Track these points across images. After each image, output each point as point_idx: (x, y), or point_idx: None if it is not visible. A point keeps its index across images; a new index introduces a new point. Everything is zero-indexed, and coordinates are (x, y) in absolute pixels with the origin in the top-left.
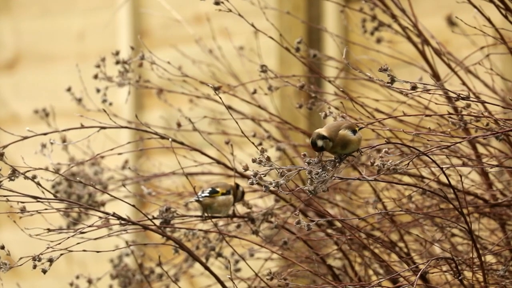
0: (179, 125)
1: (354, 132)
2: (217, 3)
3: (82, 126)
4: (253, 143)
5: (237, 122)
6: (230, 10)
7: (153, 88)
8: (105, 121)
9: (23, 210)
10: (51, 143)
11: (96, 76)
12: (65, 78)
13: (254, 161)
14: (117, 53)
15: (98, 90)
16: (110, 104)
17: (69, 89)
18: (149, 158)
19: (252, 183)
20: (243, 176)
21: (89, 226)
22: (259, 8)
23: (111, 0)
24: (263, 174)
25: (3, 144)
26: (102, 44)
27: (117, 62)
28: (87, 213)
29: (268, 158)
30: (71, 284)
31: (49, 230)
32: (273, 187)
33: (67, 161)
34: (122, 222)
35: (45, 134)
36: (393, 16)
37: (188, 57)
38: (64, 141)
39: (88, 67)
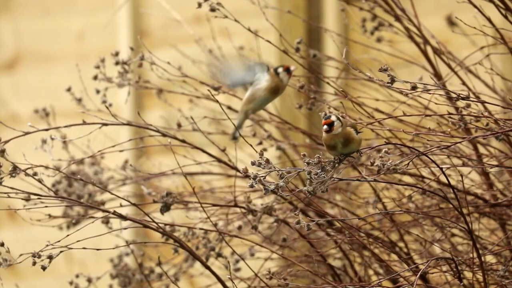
0: (179, 125)
1: (356, 132)
2: (212, 10)
3: (84, 123)
4: (251, 146)
5: (234, 124)
6: (226, 17)
7: (153, 88)
8: (106, 120)
9: (25, 203)
10: (52, 139)
11: (95, 77)
12: (65, 78)
13: (253, 164)
14: (116, 54)
15: (98, 91)
16: (110, 104)
17: (69, 89)
18: (149, 158)
19: (252, 186)
20: (244, 176)
21: (90, 217)
22: (259, 8)
23: (111, 0)
24: (262, 176)
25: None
26: (102, 44)
27: (117, 63)
28: (86, 214)
29: (268, 161)
30: (71, 283)
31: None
32: (273, 189)
33: (67, 160)
34: (123, 220)
35: (46, 129)
36: (395, 16)
37: (188, 57)
38: (64, 139)
39: (88, 67)
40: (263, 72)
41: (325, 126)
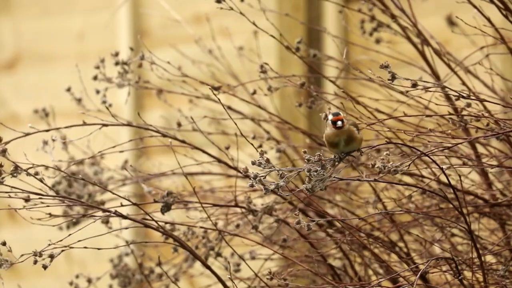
0: (179, 125)
1: (358, 131)
2: (218, 1)
3: (84, 123)
4: (252, 145)
5: (236, 123)
6: (232, 8)
7: (153, 88)
8: (106, 121)
9: (25, 204)
10: (53, 140)
11: (95, 77)
12: (65, 78)
13: (253, 163)
14: (116, 54)
15: (97, 91)
16: (110, 105)
17: (69, 89)
18: (149, 158)
19: (252, 186)
20: (244, 176)
21: (91, 216)
22: (259, 8)
23: (111, 0)
24: (263, 176)
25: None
26: (102, 44)
27: (117, 63)
28: (87, 214)
29: (268, 160)
30: (71, 284)
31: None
32: (273, 188)
33: (67, 160)
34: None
35: (47, 130)
36: (393, 16)
37: (188, 57)
38: (64, 139)
39: (88, 67)
40: None
41: (339, 122)
